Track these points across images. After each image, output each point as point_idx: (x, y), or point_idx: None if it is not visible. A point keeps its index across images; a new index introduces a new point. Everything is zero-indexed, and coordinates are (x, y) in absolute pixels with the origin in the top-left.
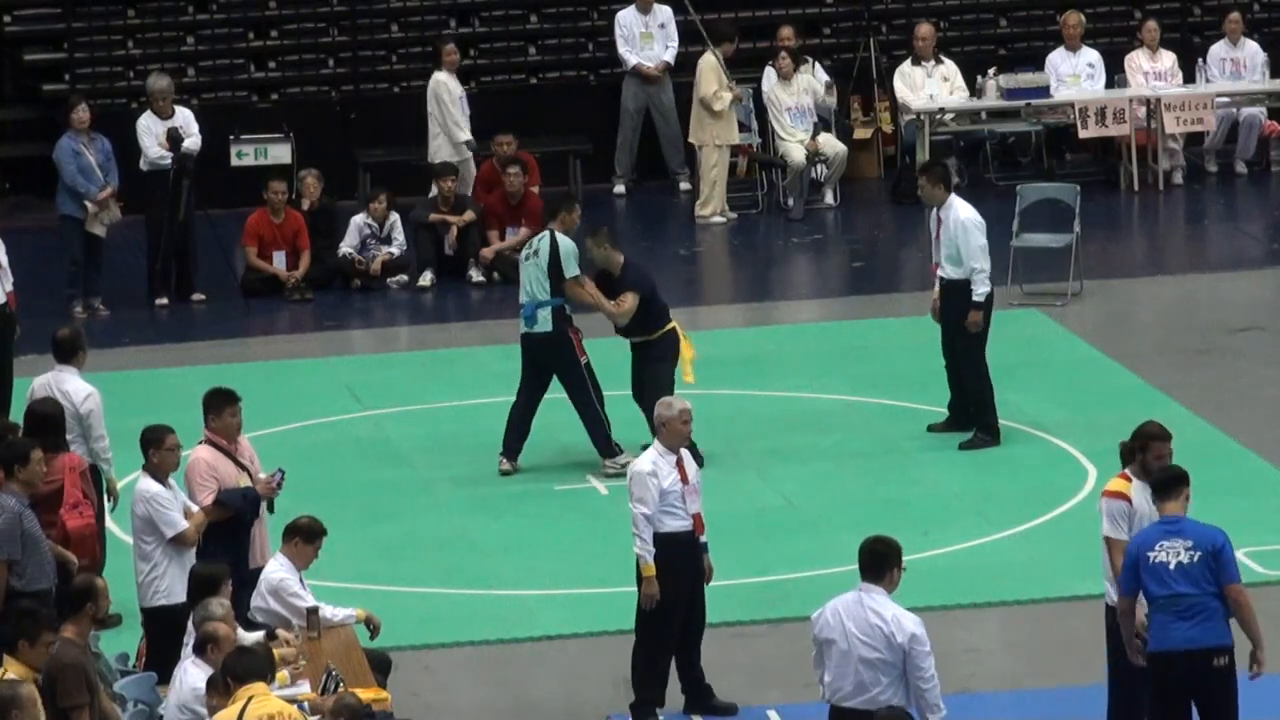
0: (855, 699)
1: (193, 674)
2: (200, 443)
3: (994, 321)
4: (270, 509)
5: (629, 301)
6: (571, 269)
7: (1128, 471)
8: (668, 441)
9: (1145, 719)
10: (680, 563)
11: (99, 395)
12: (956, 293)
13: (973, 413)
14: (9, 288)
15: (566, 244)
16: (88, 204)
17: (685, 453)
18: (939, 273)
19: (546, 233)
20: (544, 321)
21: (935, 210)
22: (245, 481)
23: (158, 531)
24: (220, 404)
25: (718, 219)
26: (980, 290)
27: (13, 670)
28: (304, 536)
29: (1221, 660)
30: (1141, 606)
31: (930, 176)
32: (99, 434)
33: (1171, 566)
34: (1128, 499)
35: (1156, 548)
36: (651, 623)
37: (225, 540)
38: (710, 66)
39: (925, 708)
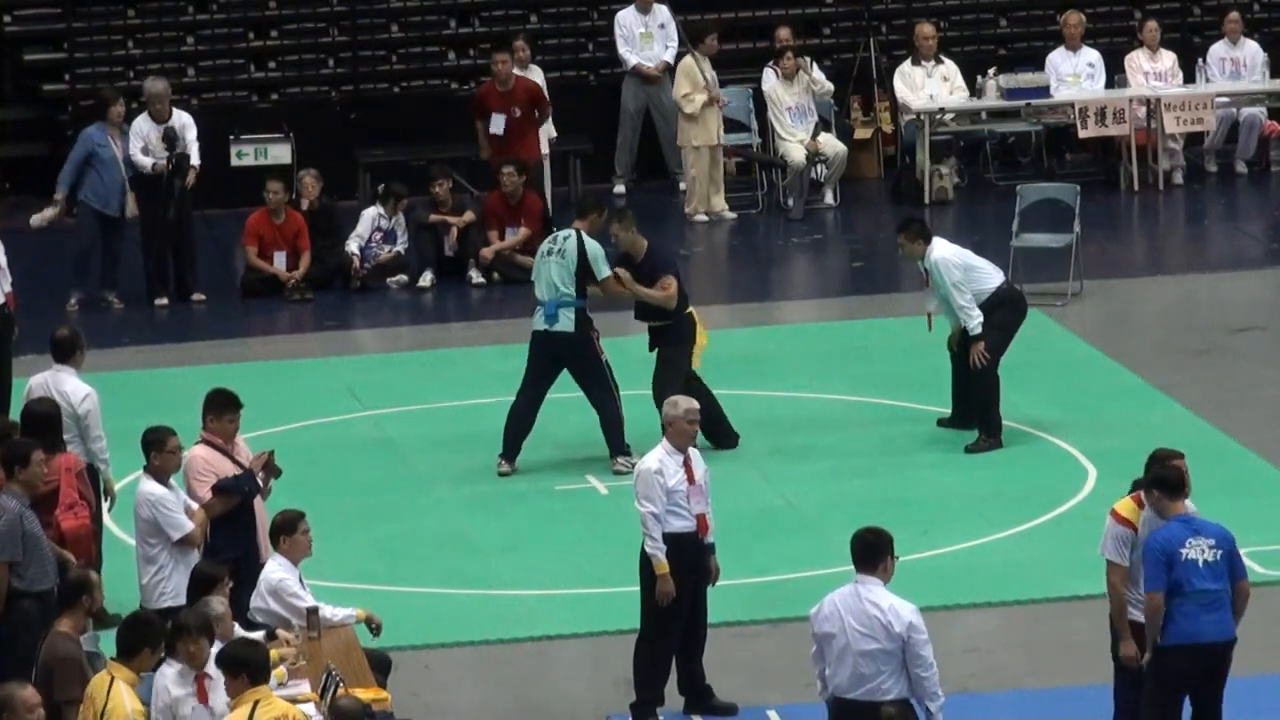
0: (856, 691)
1: (167, 674)
2: (197, 441)
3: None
4: (274, 473)
5: (672, 285)
6: (604, 270)
7: (1141, 496)
8: (674, 441)
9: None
10: (683, 563)
11: (96, 395)
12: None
13: (977, 412)
14: (8, 288)
15: (594, 246)
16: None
17: (694, 452)
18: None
19: (571, 232)
20: (566, 321)
21: (919, 261)
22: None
23: (163, 534)
24: (221, 408)
25: (700, 217)
26: (971, 326)
27: (120, 675)
28: (285, 529)
29: (1231, 653)
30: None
31: (908, 234)
32: (96, 434)
33: (1200, 564)
34: (1134, 528)
35: (1187, 545)
36: (655, 622)
37: (232, 533)
38: (683, 70)
39: (925, 695)
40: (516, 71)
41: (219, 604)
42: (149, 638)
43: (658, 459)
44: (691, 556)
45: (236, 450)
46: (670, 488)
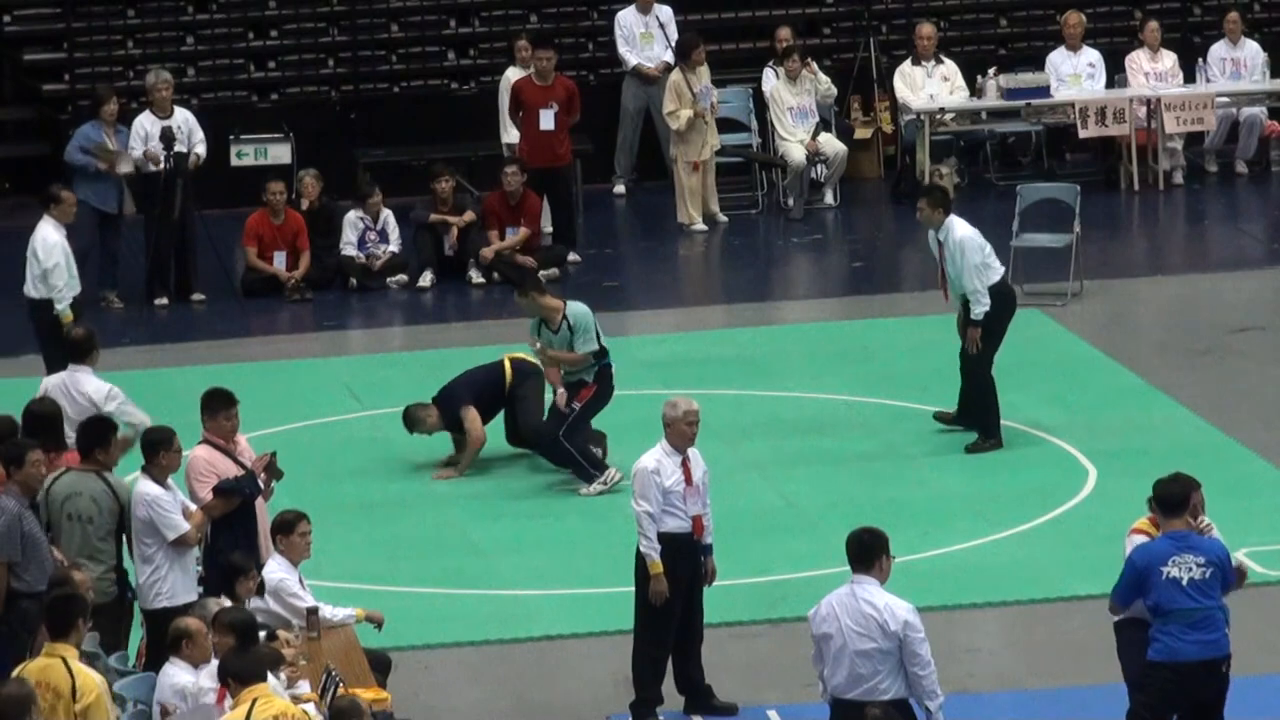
0: (854, 691)
1: (170, 673)
2: (199, 442)
3: None
4: (276, 476)
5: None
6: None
7: (1155, 517)
8: (673, 441)
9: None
10: (678, 563)
11: (119, 389)
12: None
13: (975, 414)
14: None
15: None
16: (99, 162)
17: (693, 453)
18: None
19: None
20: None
21: (933, 232)
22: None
23: (159, 534)
24: (216, 406)
25: (700, 226)
26: (977, 310)
27: (70, 655)
28: (283, 530)
29: (1227, 667)
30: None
31: (930, 200)
32: (130, 413)
33: (1184, 582)
34: (1149, 536)
35: (1169, 563)
36: (649, 622)
37: (233, 534)
38: (671, 85)
39: (923, 694)
40: (518, 71)
41: (215, 606)
42: (82, 610)
43: (655, 458)
44: (686, 557)
45: (238, 450)
46: (667, 488)
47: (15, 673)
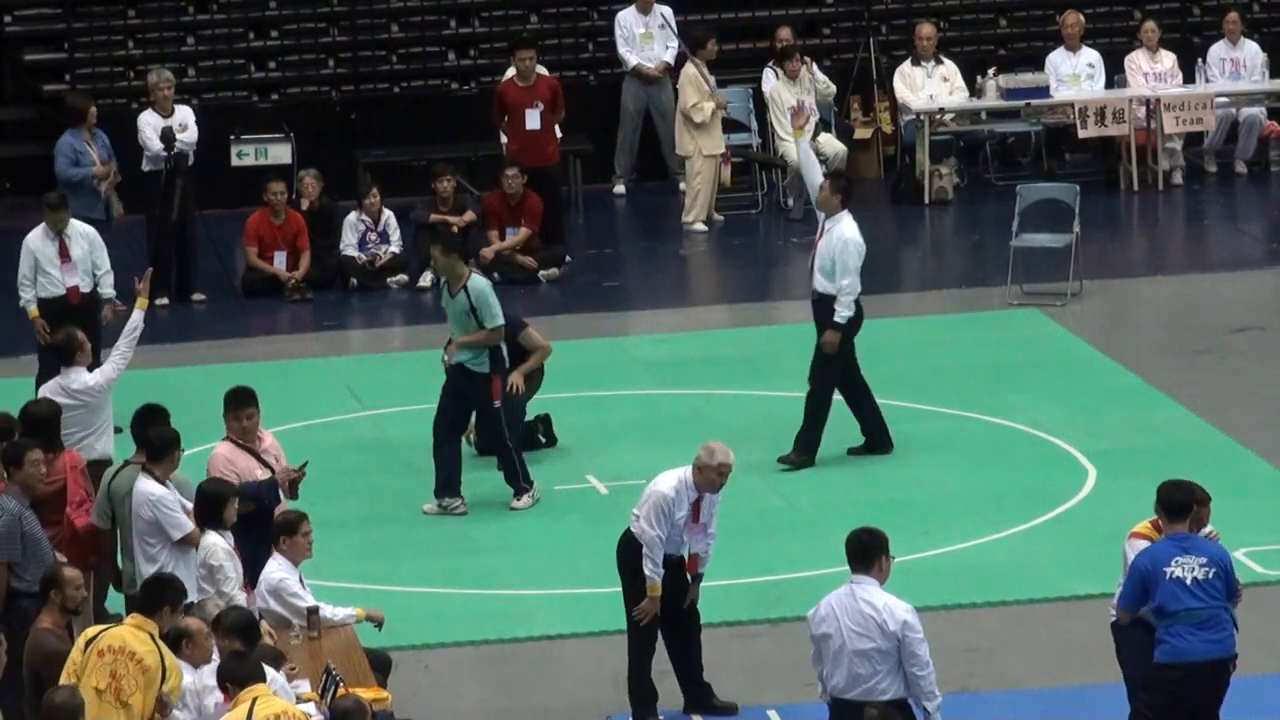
0: (853, 691)
1: (204, 667)
2: (223, 439)
3: (992, 321)
4: (293, 495)
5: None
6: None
7: (1158, 521)
8: (697, 480)
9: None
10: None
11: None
12: (826, 307)
13: (802, 426)
14: (73, 282)
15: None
16: (96, 184)
17: (715, 499)
18: (813, 284)
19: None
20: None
21: (823, 218)
22: (265, 475)
23: (163, 533)
24: (234, 405)
25: (700, 226)
26: (842, 313)
27: (147, 628)
28: (286, 530)
29: (1233, 667)
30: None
31: (834, 187)
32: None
33: (1188, 582)
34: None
35: (1173, 563)
36: (633, 631)
37: (248, 534)
38: (689, 79)
39: (921, 695)
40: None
41: (215, 608)
42: (172, 598)
43: (674, 487)
44: (668, 576)
45: (262, 447)
46: (674, 520)
47: (94, 633)
